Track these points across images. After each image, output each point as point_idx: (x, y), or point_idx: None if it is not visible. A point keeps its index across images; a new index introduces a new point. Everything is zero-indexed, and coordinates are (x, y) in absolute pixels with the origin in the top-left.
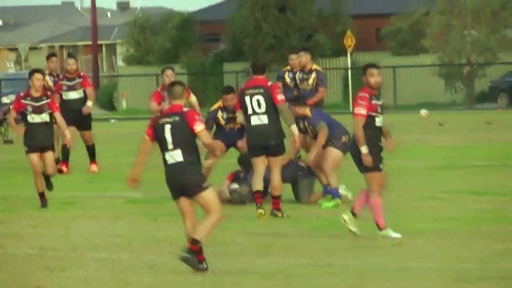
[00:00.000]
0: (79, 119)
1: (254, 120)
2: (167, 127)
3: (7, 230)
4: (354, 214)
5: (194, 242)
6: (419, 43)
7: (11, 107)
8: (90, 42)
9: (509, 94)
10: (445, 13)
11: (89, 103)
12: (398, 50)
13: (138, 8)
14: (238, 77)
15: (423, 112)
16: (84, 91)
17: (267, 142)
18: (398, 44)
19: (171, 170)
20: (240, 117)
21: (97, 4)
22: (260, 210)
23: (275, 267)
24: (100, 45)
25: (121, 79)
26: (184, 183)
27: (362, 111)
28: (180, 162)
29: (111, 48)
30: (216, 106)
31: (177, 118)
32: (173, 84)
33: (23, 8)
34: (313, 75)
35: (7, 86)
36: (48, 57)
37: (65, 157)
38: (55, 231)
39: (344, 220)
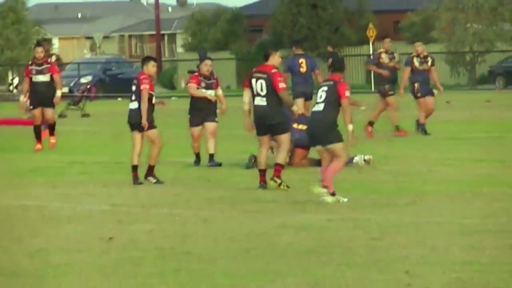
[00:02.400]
0: (45, 98)
1: (257, 101)
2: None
3: (85, 189)
4: (325, 187)
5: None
6: (430, 34)
7: (88, 86)
8: (154, 32)
9: (505, 77)
10: (451, 9)
11: (59, 92)
12: (412, 40)
13: (195, 4)
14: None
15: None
16: (51, 76)
17: (266, 122)
18: (412, 35)
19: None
20: (245, 95)
21: (160, 1)
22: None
23: (308, 221)
24: (162, 35)
25: (180, 63)
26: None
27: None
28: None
29: (172, 38)
30: None
31: None
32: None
33: (98, 3)
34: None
35: (84, 69)
36: (35, 47)
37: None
38: (124, 191)
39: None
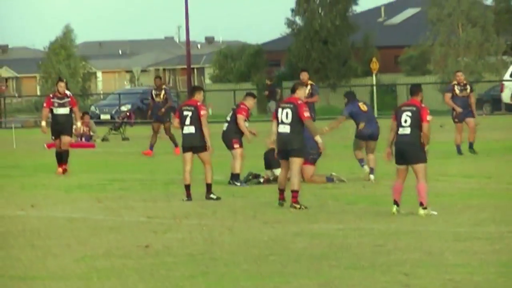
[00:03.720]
0: (64, 128)
1: (280, 128)
2: None
3: (124, 203)
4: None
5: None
6: (426, 66)
7: (127, 113)
8: (185, 66)
9: (491, 104)
10: (444, 45)
11: (79, 124)
12: (410, 72)
13: (221, 41)
14: None
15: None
16: (71, 109)
17: (287, 147)
18: (411, 68)
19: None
20: (273, 126)
21: (191, 39)
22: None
23: (320, 230)
24: (193, 69)
25: (208, 93)
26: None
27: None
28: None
29: (201, 71)
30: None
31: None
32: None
33: (136, 41)
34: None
35: (124, 99)
36: (57, 82)
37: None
38: (159, 204)
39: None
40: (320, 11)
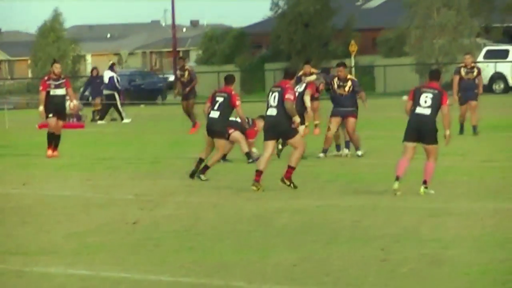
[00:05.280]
0: (61, 110)
1: (269, 111)
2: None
3: (113, 181)
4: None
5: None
6: (402, 48)
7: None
8: (171, 49)
9: None
10: (420, 27)
11: (75, 102)
12: (387, 53)
13: (205, 25)
14: (275, 73)
15: (405, 97)
16: (66, 90)
17: (274, 130)
18: (388, 49)
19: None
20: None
21: (176, 22)
22: (253, 187)
23: (301, 207)
24: (178, 51)
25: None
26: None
27: None
28: None
29: (186, 53)
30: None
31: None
32: None
33: (124, 24)
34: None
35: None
36: (52, 63)
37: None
38: (146, 182)
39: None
40: None
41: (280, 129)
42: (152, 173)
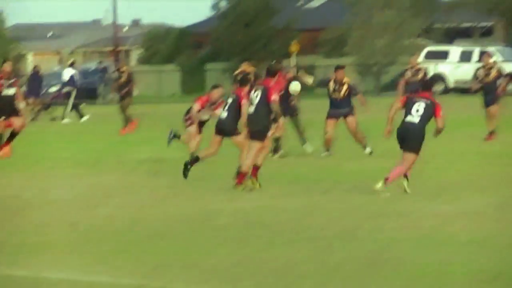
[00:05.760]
0: (13, 109)
1: (249, 109)
2: None
3: (53, 181)
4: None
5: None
6: (343, 49)
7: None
8: (112, 48)
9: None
10: (361, 28)
11: (22, 104)
12: (329, 54)
13: (147, 24)
14: (217, 73)
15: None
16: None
17: (251, 127)
18: (329, 50)
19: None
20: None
21: (117, 21)
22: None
23: (239, 208)
24: (119, 51)
25: (135, 74)
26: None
27: None
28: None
29: (127, 53)
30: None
31: None
32: None
33: (65, 24)
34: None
35: (53, 79)
36: (3, 63)
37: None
38: (85, 182)
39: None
40: None
41: (253, 128)
42: (92, 174)
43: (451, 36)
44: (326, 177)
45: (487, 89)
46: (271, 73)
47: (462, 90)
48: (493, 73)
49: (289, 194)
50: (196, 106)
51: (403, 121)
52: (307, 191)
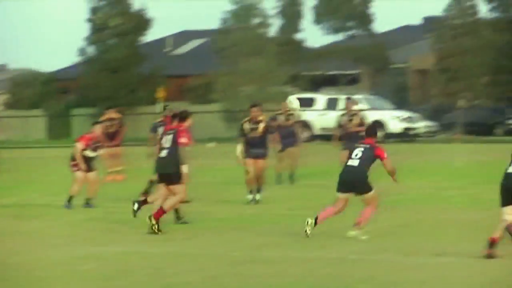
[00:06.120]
0: None
1: (161, 153)
2: None
3: None
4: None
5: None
6: (211, 95)
7: None
8: None
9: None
10: (227, 75)
11: None
12: (195, 100)
13: (13, 69)
14: (83, 119)
15: (211, 144)
16: None
17: (163, 171)
18: (196, 96)
19: None
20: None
21: None
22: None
23: (105, 253)
24: None
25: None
26: None
27: None
28: None
29: None
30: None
31: None
32: None
33: None
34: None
35: None
36: None
37: None
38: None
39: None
40: (111, 41)
41: (166, 171)
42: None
43: (317, 84)
44: (188, 225)
45: (348, 136)
46: (182, 118)
47: (327, 137)
48: (356, 120)
49: (152, 239)
50: (80, 145)
51: (345, 165)
52: (172, 238)
